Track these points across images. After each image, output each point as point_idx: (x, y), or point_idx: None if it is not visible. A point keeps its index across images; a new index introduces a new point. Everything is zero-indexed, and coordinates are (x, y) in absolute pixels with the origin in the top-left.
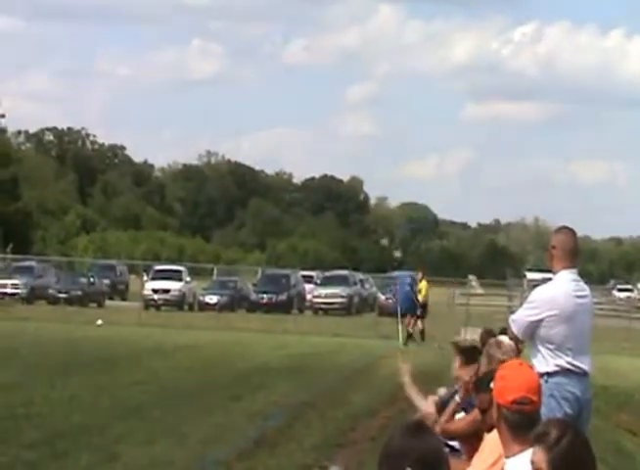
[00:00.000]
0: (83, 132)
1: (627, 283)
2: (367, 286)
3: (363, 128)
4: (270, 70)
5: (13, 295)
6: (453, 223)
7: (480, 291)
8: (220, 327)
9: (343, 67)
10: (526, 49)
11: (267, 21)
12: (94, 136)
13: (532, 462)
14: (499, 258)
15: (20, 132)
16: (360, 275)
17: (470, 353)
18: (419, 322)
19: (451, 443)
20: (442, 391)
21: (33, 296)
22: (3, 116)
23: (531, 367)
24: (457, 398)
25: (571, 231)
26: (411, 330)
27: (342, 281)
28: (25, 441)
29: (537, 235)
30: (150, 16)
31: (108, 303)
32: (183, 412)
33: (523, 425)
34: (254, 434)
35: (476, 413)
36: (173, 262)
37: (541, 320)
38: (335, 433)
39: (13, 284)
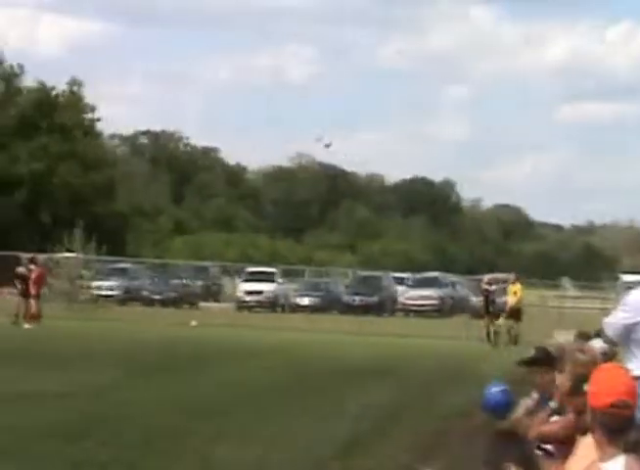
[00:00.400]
0: (177, 135)
1: None
2: (459, 288)
3: (457, 130)
4: (363, 73)
5: (108, 296)
6: (546, 225)
7: (573, 293)
8: (312, 329)
9: (437, 69)
10: (622, 48)
11: (360, 23)
12: (187, 138)
13: None
14: (593, 260)
15: (114, 135)
16: (452, 277)
17: (539, 362)
18: (513, 325)
19: (545, 446)
20: (534, 395)
21: (128, 297)
22: (99, 119)
23: (627, 370)
24: (551, 403)
25: None
26: (495, 329)
27: (434, 283)
28: (124, 441)
29: (632, 237)
30: (242, 19)
31: (201, 304)
32: (275, 413)
33: (617, 429)
34: (346, 435)
35: (570, 417)
36: (266, 264)
37: (636, 323)
38: (427, 435)
39: (108, 286)
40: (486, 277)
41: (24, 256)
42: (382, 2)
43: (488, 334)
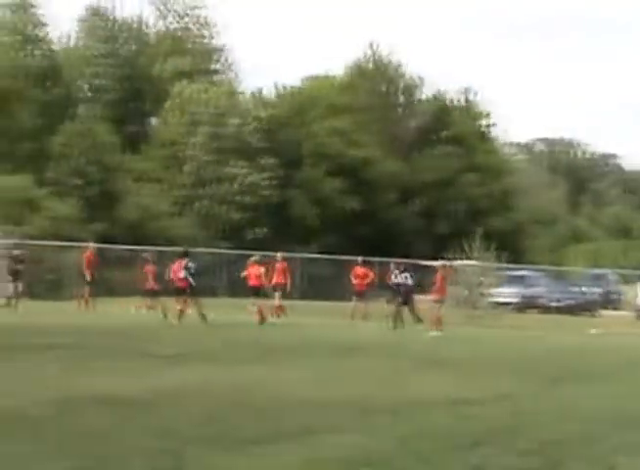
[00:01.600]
0: (575, 142)
1: None
2: None
3: None
4: None
5: (506, 304)
6: None
7: None
8: None
9: None
10: None
11: None
12: (585, 145)
13: None
14: None
15: (510, 143)
16: None
17: None
18: None
19: None
20: None
21: (526, 305)
22: (493, 124)
23: None
24: None
25: None
26: None
27: None
28: (518, 449)
29: None
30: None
31: (600, 312)
32: None
33: None
34: None
35: None
36: None
37: None
38: None
39: (506, 293)
40: None
41: (424, 263)
42: None
43: None
